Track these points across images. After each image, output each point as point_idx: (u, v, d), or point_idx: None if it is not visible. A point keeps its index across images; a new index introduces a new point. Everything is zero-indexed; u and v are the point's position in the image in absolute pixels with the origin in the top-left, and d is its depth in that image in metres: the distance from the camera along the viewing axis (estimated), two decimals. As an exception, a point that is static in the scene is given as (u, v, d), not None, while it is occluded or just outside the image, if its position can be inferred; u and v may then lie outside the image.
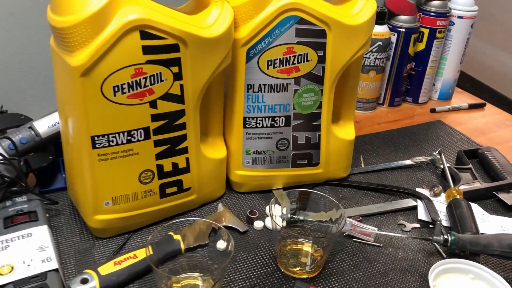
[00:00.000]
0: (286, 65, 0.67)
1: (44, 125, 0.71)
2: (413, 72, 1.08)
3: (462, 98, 1.16)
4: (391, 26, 1.01)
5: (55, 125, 0.71)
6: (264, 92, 0.68)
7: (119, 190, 0.62)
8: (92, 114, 0.56)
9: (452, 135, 0.99)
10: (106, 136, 0.58)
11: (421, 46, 1.05)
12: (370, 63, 1.00)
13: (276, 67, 0.67)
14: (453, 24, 1.05)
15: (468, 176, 0.82)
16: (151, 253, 0.57)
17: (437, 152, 0.86)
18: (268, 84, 0.68)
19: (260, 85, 0.68)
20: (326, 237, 0.65)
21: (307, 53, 0.67)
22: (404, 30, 1.01)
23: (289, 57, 0.67)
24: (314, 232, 0.66)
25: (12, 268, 0.53)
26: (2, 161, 0.65)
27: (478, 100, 1.15)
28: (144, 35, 0.54)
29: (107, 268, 0.57)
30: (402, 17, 1.01)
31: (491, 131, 1.03)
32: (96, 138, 0.57)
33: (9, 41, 0.78)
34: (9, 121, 0.71)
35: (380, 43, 0.98)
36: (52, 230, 0.64)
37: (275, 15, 0.64)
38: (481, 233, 0.67)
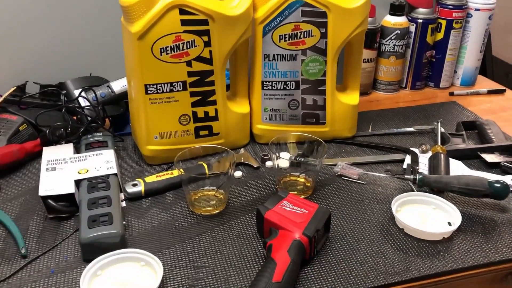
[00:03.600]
0: (294, 39, 0.86)
1: (118, 85, 0.96)
2: (434, 60, 1.21)
3: (485, 85, 1.26)
4: (410, 18, 1.16)
5: (125, 86, 0.96)
6: (277, 60, 0.88)
7: (164, 128, 0.85)
8: (145, 68, 0.79)
9: (462, 113, 1.10)
10: (155, 85, 0.81)
11: (440, 35, 1.18)
12: (389, 49, 1.16)
13: (286, 40, 0.86)
14: (471, 16, 1.17)
15: (459, 140, 0.95)
16: (183, 173, 0.79)
17: (437, 122, 1.00)
18: (280, 54, 0.87)
19: (274, 55, 0.87)
20: (309, 168, 0.81)
21: (311, 30, 0.86)
22: (421, 21, 1.15)
23: (297, 32, 0.86)
24: (306, 169, 0.83)
25: (87, 170, 0.77)
26: (87, 107, 0.91)
27: (500, 87, 1.25)
28: (182, 11, 0.77)
29: (151, 178, 0.80)
30: (421, 9, 1.15)
31: (502, 111, 1.13)
32: (148, 86, 0.81)
33: (95, 27, 1.06)
34: (94, 81, 0.97)
35: (398, 31, 1.14)
36: (118, 159, 0.88)
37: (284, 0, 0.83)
38: (449, 177, 0.81)
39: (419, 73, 1.21)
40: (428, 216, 0.74)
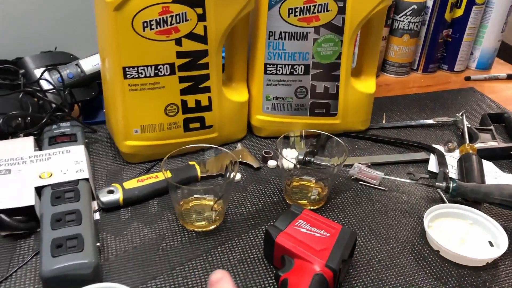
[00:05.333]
0: (306, 14, 0.71)
1: (89, 64, 0.80)
2: (450, 39, 1.08)
3: (502, 69, 1.14)
4: (428, -9, 1.02)
5: (98, 64, 0.80)
6: (285, 39, 0.73)
7: (147, 120, 0.70)
8: (124, 47, 0.63)
9: (482, 101, 0.98)
10: (136, 68, 0.65)
11: (459, 12, 1.05)
12: (403, 26, 1.02)
13: (297, 15, 0.71)
14: (495, -10, 1.04)
15: (488, 136, 0.82)
16: (170, 175, 0.65)
17: (460, 113, 0.87)
18: (289, 32, 0.72)
19: (280, 32, 0.72)
20: (325, 174, 0.68)
21: (327, 3, 0.71)
22: (441, -6, 1.01)
23: (310, 6, 0.71)
24: (321, 172, 0.70)
25: (51, 174, 0.62)
26: (51, 90, 0.75)
27: (519, 71, 1.13)
28: (171, -24, 0.61)
29: (131, 184, 0.65)
30: (440, -19, 1.01)
31: (526, 100, 1.01)
32: (127, 69, 0.65)
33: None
34: (60, 58, 0.80)
35: (415, 6, 0.99)
36: (89, 154, 0.73)
37: (296, -35, 0.68)
38: (486, 185, 0.69)
39: (433, 54, 1.08)
40: (465, 234, 0.62)
